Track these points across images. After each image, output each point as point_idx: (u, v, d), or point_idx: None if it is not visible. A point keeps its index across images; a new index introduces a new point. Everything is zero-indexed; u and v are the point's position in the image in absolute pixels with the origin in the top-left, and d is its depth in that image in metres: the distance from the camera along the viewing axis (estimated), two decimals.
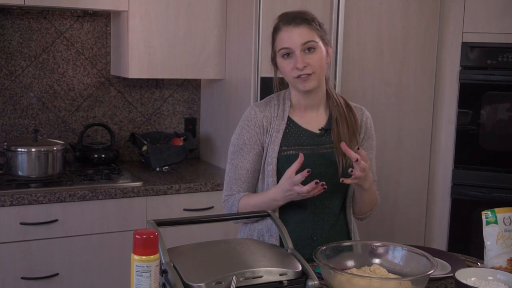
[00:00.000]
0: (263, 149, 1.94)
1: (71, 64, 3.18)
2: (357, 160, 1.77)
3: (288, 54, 1.87)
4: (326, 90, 1.99)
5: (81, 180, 2.80)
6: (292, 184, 1.78)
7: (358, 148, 1.81)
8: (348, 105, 1.99)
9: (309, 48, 1.86)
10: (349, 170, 1.80)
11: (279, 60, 1.91)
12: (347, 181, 1.80)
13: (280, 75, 1.98)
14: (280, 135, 1.92)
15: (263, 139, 1.94)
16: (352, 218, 2.02)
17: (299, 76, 1.86)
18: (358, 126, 1.97)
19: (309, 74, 1.86)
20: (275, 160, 1.91)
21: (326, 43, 1.91)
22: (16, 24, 3.05)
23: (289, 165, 1.88)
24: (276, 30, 1.92)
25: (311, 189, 1.77)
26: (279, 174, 1.91)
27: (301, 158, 1.78)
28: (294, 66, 1.85)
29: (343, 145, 1.80)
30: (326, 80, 1.98)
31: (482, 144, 3.29)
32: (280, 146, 1.92)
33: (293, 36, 1.86)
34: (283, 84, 2.02)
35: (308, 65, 1.85)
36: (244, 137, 1.95)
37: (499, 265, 1.74)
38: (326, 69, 1.95)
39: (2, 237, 2.54)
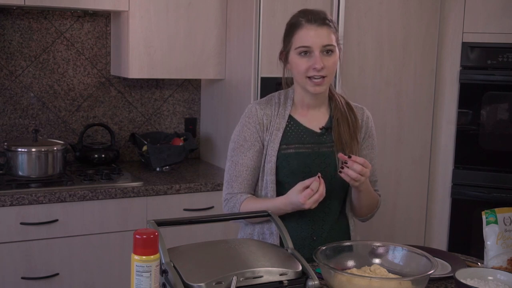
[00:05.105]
0: (263, 146, 1.94)
1: (71, 64, 3.18)
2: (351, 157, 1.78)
3: (305, 52, 1.85)
4: (329, 90, 1.99)
5: (81, 180, 2.79)
6: (304, 198, 1.75)
7: (350, 157, 1.79)
8: (349, 105, 1.99)
9: (327, 50, 1.85)
10: (338, 171, 1.81)
11: (294, 57, 1.87)
12: (342, 175, 1.80)
13: (286, 74, 1.97)
14: (280, 134, 1.92)
15: (263, 136, 1.94)
16: (352, 218, 2.02)
17: (313, 77, 1.85)
18: (358, 125, 1.97)
19: (323, 78, 1.85)
20: (274, 158, 1.91)
21: (339, 48, 1.91)
22: (16, 24, 3.05)
23: (288, 163, 1.89)
24: (296, 26, 1.87)
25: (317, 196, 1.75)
26: (278, 172, 1.91)
27: (321, 181, 1.76)
28: (311, 66, 1.84)
29: (341, 156, 1.80)
30: None
31: (482, 144, 3.29)
32: (280, 144, 1.92)
33: (317, 36, 1.83)
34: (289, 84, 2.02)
35: (324, 67, 1.84)
36: (245, 133, 1.94)
37: (499, 265, 1.74)
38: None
39: (2, 237, 2.54)
